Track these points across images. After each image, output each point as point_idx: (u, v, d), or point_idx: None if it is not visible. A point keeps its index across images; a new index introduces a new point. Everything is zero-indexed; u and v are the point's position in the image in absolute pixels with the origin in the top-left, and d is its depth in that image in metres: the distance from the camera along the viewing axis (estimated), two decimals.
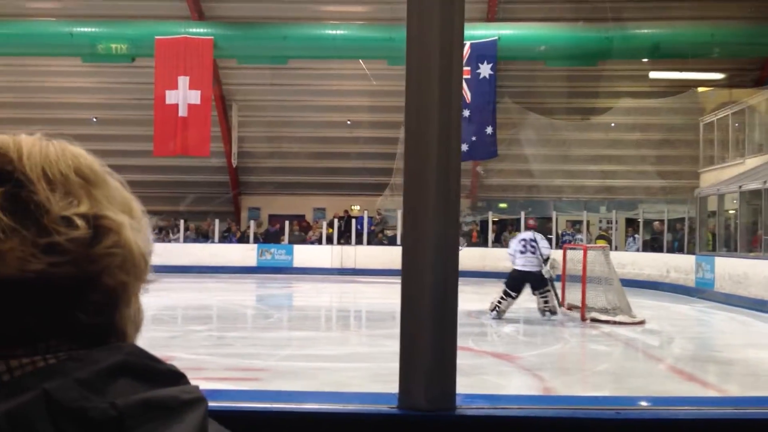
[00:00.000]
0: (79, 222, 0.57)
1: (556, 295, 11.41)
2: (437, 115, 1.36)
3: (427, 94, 1.37)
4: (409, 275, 1.38)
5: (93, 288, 0.58)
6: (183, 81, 17.11)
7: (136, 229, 0.62)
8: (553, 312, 11.11)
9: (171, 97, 16.98)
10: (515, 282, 11.08)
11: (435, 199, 1.36)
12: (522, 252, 11.05)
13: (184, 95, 17.13)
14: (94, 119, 21.86)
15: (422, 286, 1.37)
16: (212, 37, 17.50)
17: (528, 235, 11.37)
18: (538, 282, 11.07)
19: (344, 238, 21.38)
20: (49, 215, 0.56)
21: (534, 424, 1.35)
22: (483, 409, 1.38)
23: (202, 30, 17.92)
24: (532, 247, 11.05)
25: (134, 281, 0.61)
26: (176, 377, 0.59)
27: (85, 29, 17.58)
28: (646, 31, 17.39)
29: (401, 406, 1.36)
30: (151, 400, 0.55)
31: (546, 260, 11.10)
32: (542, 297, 11.09)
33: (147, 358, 0.59)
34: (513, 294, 11.02)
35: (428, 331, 1.37)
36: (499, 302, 11.06)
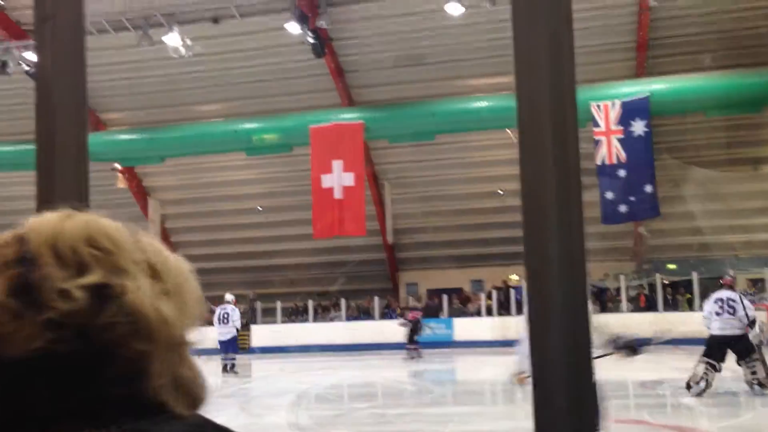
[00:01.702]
0: (77, 294, 0.56)
1: (764, 362, 10.08)
2: (553, 173, 1.32)
3: (542, 154, 1.33)
4: (538, 343, 1.31)
5: (111, 360, 0.56)
6: (337, 165, 17.88)
7: (162, 292, 0.59)
8: (763, 384, 9.61)
9: (327, 180, 17.77)
10: (715, 349, 9.76)
11: (558, 261, 1.30)
12: (718, 314, 9.83)
13: (339, 178, 17.87)
14: (259, 208, 23.30)
15: (552, 353, 1.30)
16: (363, 121, 18.27)
17: (725, 294, 10.12)
18: (743, 348, 9.71)
19: (504, 308, 20.98)
20: (44, 291, 0.56)
21: None
22: None
23: (352, 115, 18.78)
24: (730, 307, 9.85)
25: (160, 349, 0.58)
26: None
27: (248, 125, 19.03)
28: None
29: None
30: None
31: (752, 323, 9.92)
32: (749, 367, 9.70)
33: (214, 428, 0.57)
34: (717, 365, 9.71)
35: (562, 402, 1.28)
36: (706, 374, 9.68)
